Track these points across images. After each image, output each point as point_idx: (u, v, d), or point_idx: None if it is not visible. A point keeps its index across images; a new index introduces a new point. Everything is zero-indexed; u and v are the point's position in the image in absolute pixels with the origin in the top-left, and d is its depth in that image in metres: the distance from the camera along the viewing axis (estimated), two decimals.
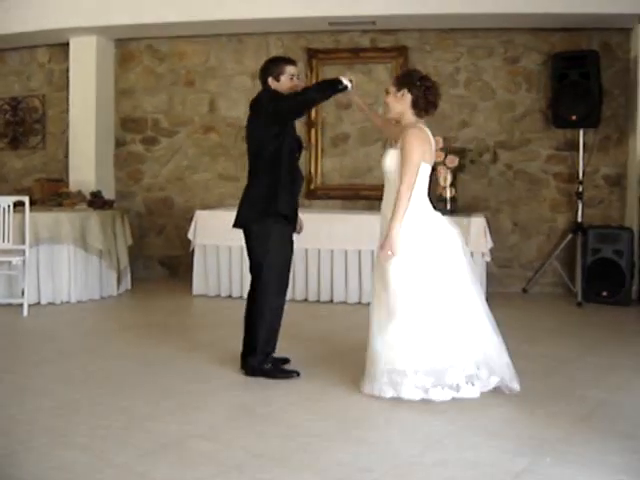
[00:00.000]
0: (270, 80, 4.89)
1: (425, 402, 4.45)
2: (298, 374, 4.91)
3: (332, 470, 3.50)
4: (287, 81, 4.88)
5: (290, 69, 4.91)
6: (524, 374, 5.11)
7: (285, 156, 4.82)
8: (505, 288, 8.49)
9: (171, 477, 3.39)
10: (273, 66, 4.94)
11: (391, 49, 8.76)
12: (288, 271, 5.00)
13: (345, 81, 4.69)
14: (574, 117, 7.84)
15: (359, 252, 7.70)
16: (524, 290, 8.49)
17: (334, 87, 4.74)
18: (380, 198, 8.53)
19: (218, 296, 7.99)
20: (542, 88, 8.43)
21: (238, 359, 5.05)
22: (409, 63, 8.64)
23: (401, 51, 8.70)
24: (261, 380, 4.84)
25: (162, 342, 5.99)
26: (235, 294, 7.85)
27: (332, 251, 7.74)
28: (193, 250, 8.13)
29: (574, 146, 8.20)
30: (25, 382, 4.90)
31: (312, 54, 8.92)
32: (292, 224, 4.99)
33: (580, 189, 8.10)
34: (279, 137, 4.78)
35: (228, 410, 4.39)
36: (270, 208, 4.83)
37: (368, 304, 7.35)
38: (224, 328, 6.36)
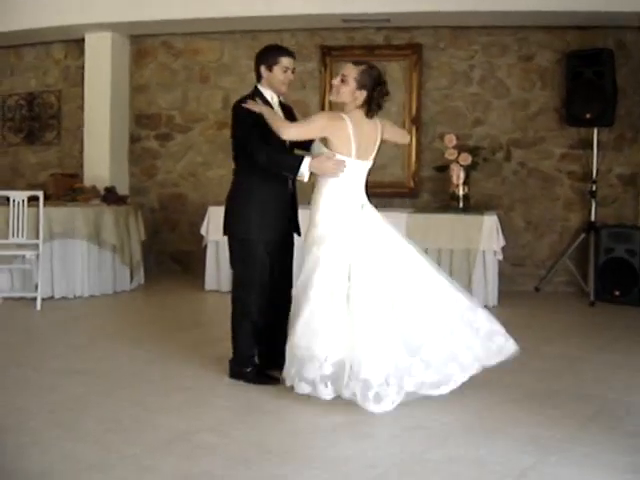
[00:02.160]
0: (263, 69, 4.72)
1: (431, 399, 4.45)
2: (278, 380, 4.61)
3: (338, 465, 3.52)
4: (279, 73, 4.68)
5: (285, 61, 4.70)
6: (534, 372, 5.14)
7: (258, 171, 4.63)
8: (517, 287, 8.46)
9: (179, 471, 3.42)
10: (268, 54, 4.76)
11: (405, 46, 8.75)
12: (263, 277, 4.74)
13: (304, 173, 4.43)
14: (588, 115, 7.81)
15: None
16: (536, 289, 8.46)
17: (291, 171, 4.50)
18: (394, 195, 8.64)
19: (230, 292, 7.98)
20: (556, 86, 8.39)
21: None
22: (423, 60, 8.65)
23: (415, 49, 8.69)
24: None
25: (173, 337, 6.02)
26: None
27: None
28: (206, 246, 8.17)
29: (588, 145, 8.16)
30: (36, 375, 4.94)
31: (326, 51, 8.92)
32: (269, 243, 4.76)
33: (593, 188, 8.06)
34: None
35: (236, 405, 4.41)
36: (240, 230, 4.74)
37: None
38: None
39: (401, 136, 5.04)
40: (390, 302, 4.37)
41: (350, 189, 4.52)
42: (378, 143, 4.63)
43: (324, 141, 4.48)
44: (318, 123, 4.46)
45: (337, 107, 4.71)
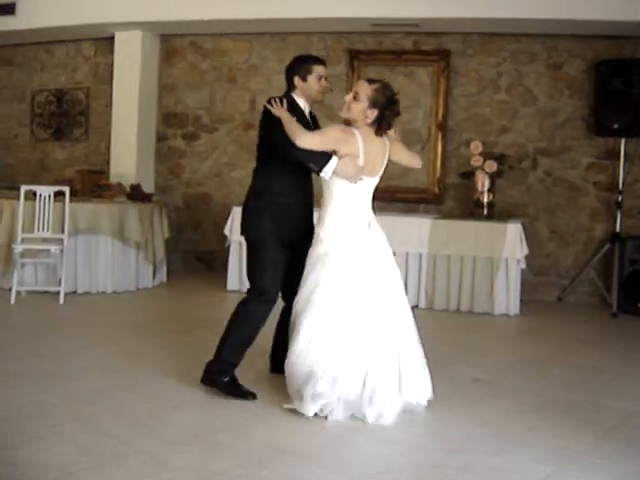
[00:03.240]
0: (297, 80, 4.61)
1: (452, 405, 4.45)
2: (254, 397, 4.47)
3: (353, 469, 3.52)
4: (315, 82, 4.59)
5: (319, 69, 4.61)
6: (555, 382, 5.12)
7: (279, 172, 4.58)
8: (540, 296, 8.42)
9: (194, 468, 3.44)
10: (301, 64, 4.64)
11: (434, 52, 8.73)
12: (270, 278, 4.58)
13: (329, 171, 4.32)
14: (616, 126, 7.75)
15: (393, 254, 7.67)
16: (559, 299, 8.41)
17: (318, 164, 4.33)
18: (418, 201, 8.63)
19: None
20: (585, 95, 8.34)
21: (266, 354, 5.05)
22: (451, 66, 8.63)
23: (443, 54, 8.67)
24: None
25: (193, 335, 6.05)
26: None
27: None
28: (229, 246, 8.20)
29: (615, 155, 8.10)
30: (57, 368, 4.98)
31: (354, 55, 8.93)
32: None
33: (619, 199, 7.99)
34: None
35: (253, 405, 4.41)
36: (256, 230, 4.62)
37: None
38: None
39: (412, 160, 4.83)
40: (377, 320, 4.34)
41: (357, 206, 4.45)
42: (385, 162, 4.54)
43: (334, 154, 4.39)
44: (332, 135, 4.39)
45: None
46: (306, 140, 4.29)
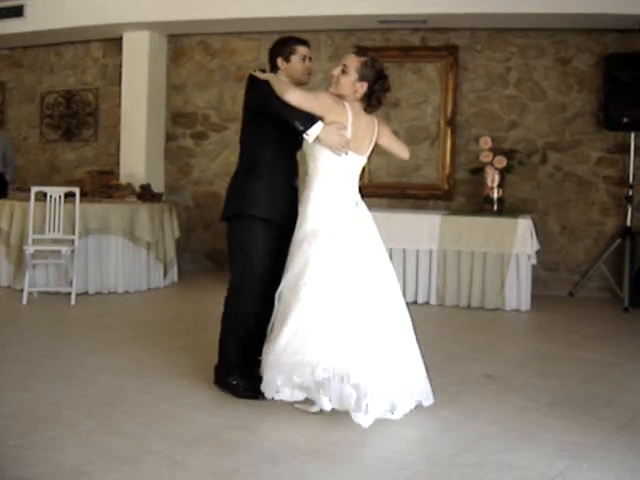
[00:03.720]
0: (280, 61, 4.49)
1: (465, 402, 4.45)
2: (264, 396, 4.22)
3: (366, 466, 3.53)
4: (299, 62, 4.48)
5: (302, 50, 4.50)
6: (567, 378, 5.10)
7: (269, 145, 4.43)
8: (551, 291, 8.41)
9: (208, 466, 3.44)
10: (283, 46, 4.53)
11: (441, 48, 8.73)
12: (263, 276, 4.41)
13: (313, 133, 4.16)
14: (626, 119, 7.73)
15: (404, 251, 7.70)
16: (570, 294, 8.40)
17: (303, 123, 4.17)
18: (428, 197, 8.63)
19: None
20: (594, 89, 8.31)
21: None
22: (459, 62, 8.62)
23: (451, 50, 8.66)
24: None
25: (205, 334, 6.05)
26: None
27: None
28: None
29: (625, 149, 8.09)
30: (71, 369, 5.00)
31: (362, 51, 8.91)
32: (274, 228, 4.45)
33: (630, 193, 7.97)
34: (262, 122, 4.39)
35: (267, 403, 4.40)
36: (243, 205, 4.43)
37: (412, 303, 7.41)
38: None
39: (399, 148, 4.59)
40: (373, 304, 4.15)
41: (343, 184, 4.30)
42: (373, 142, 4.40)
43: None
44: (323, 100, 4.23)
45: None
46: (294, 96, 4.14)
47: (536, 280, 7.86)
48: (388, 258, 4.39)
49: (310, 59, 4.54)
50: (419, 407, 4.25)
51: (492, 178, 8.00)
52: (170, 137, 9.79)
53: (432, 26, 8.58)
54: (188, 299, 7.85)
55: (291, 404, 4.28)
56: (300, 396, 4.17)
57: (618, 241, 8.04)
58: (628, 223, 7.98)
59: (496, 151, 8.06)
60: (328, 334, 3.97)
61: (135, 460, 3.48)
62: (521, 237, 7.43)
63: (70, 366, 5.07)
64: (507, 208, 8.15)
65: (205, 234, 9.71)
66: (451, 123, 8.70)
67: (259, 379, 4.20)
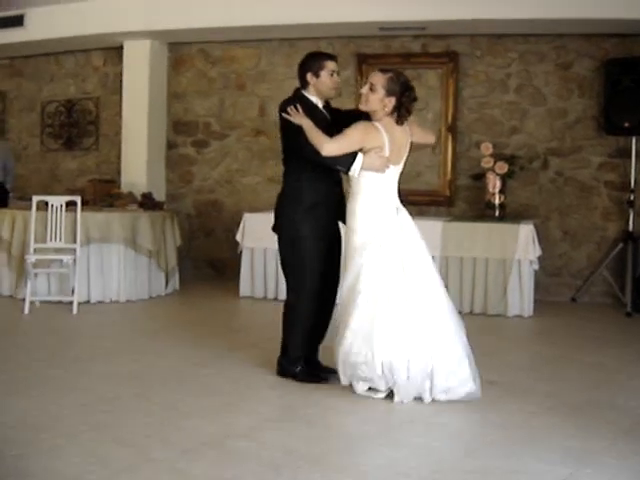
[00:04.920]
0: (309, 76, 4.73)
1: (468, 408, 4.43)
2: (326, 380, 4.83)
3: (370, 473, 3.51)
4: (327, 77, 4.72)
5: (330, 65, 4.75)
6: (570, 382, 5.09)
7: (309, 169, 4.72)
8: (554, 297, 8.38)
9: (210, 475, 3.43)
10: (313, 61, 4.78)
11: (442, 54, 8.72)
12: (314, 279, 4.80)
13: (356, 169, 4.48)
14: (627, 124, 7.72)
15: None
16: (573, 299, 8.37)
17: (345, 165, 4.50)
18: (430, 203, 8.62)
19: (264, 298, 8.05)
20: (594, 94, 8.30)
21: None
22: (459, 68, 8.62)
23: (452, 56, 8.66)
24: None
25: (207, 342, 6.05)
26: (281, 297, 7.85)
27: None
28: (241, 252, 8.20)
29: (626, 154, 8.06)
30: (72, 378, 4.99)
31: (362, 59, 8.93)
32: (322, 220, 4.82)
33: (632, 197, 7.96)
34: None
35: (269, 410, 4.42)
36: (292, 228, 4.81)
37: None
38: (268, 330, 6.35)
39: (425, 136, 5.00)
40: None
41: (386, 194, 4.58)
42: (408, 147, 4.69)
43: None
44: (355, 136, 4.48)
45: None
46: (330, 148, 4.42)
47: (538, 286, 7.84)
48: (430, 258, 4.70)
49: (338, 73, 4.82)
50: (422, 414, 4.30)
51: (493, 184, 7.99)
52: (171, 145, 9.80)
53: (432, 32, 8.57)
54: (190, 307, 7.84)
55: (293, 411, 4.28)
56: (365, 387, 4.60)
57: (620, 246, 8.03)
58: (630, 228, 7.96)
59: (497, 157, 8.05)
60: (384, 334, 4.40)
61: (136, 469, 3.47)
62: (523, 243, 7.41)
63: (71, 375, 5.06)
64: (509, 214, 8.14)
65: (206, 242, 9.70)
66: (452, 129, 8.69)
67: (317, 364, 4.99)
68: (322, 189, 4.77)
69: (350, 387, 4.63)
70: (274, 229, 4.93)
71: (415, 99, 4.60)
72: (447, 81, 8.70)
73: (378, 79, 4.52)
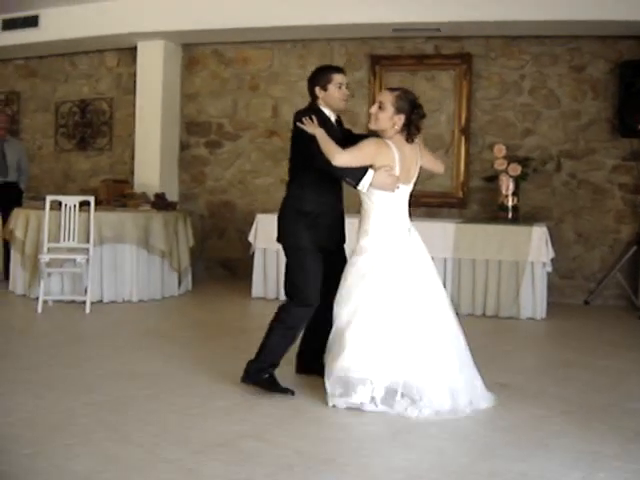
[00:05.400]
0: (317, 90, 4.77)
1: (477, 412, 4.42)
2: (293, 393, 4.66)
3: (381, 475, 3.50)
4: (335, 90, 4.74)
5: (338, 78, 4.76)
6: (582, 385, 5.07)
7: (315, 181, 4.72)
8: (566, 299, 8.36)
9: (221, 475, 3.43)
10: (320, 75, 4.80)
11: (455, 56, 8.71)
12: (313, 292, 4.70)
13: (365, 184, 4.45)
14: None
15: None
16: (586, 302, 8.34)
17: (354, 178, 4.46)
18: (442, 205, 8.61)
19: (277, 299, 8.03)
20: (608, 97, 8.28)
21: (292, 361, 5.09)
22: (473, 70, 8.60)
23: (465, 58, 8.65)
24: (314, 383, 4.81)
25: (219, 342, 6.06)
26: None
27: None
28: (253, 253, 8.21)
29: None
30: (84, 377, 5.00)
31: (376, 60, 8.93)
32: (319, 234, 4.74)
33: None
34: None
35: (281, 411, 4.41)
36: (292, 237, 4.77)
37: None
38: None
39: (435, 166, 4.91)
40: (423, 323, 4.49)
41: (397, 214, 4.57)
42: (419, 167, 4.66)
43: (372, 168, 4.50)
44: (367, 150, 4.47)
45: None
46: (342, 159, 4.40)
47: (551, 288, 7.81)
48: (440, 282, 4.72)
49: (347, 86, 4.82)
50: (434, 416, 4.28)
51: (507, 186, 7.97)
52: (184, 146, 9.82)
53: (446, 34, 8.56)
54: (202, 308, 7.85)
55: (304, 412, 4.29)
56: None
57: (634, 249, 8.00)
58: None
59: (510, 159, 8.04)
60: (386, 355, 4.35)
61: (147, 469, 3.48)
62: (536, 245, 7.39)
63: (84, 374, 5.08)
64: (522, 216, 8.12)
65: (219, 242, 9.72)
66: (465, 131, 8.68)
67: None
68: (324, 202, 4.77)
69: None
70: (278, 239, 4.89)
71: (424, 116, 4.58)
72: (460, 83, 8.69)
73: (387, 97, 4.52)
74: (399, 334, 4.38)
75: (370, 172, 4.43)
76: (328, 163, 4.43)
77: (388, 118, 4.49)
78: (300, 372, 5.08)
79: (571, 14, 7.60)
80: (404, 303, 4.43)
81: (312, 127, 4.52)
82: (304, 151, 4.66)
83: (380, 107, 4.51)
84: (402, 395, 4.34)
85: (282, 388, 4.69)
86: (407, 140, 4.55)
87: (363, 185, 4.46)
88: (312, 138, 4.49)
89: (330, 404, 4.43)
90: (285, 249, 4.84)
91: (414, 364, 4.36)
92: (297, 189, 4.78)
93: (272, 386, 4.70)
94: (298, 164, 4.80)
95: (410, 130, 4.53)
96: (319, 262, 4.72)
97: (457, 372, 4.45)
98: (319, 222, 4.73)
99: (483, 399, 4.50)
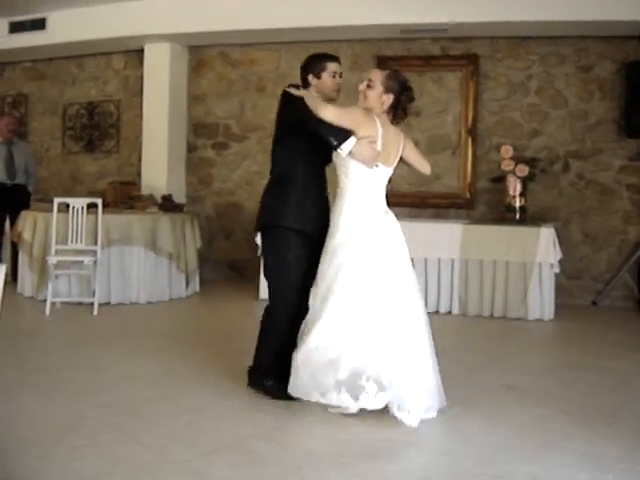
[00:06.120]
0: (311, 77, 4.65)
1: (485, 414, 4.42)
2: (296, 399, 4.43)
3: (390, 477, 3.51)
4: (329, 79, 4.62)
5: (332, 66, 4.65)
6: (589, 387, 5.06)
7: (300, 160, 4.60)
8: (574, 300, 8.34)
9: (229, 476, 3.44)
10: (314, 62, 4.69)
11: (462, 57, 8.71)
12: (296, 283, 4.56)
13: (346, 148, 4.30)
14: None
15: (425, 260, 7.67)
16: (593, 303, 8.33)
17: (337, 138, 4.30)
18: (449, 206, 8.60)
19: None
20: (615, 97, 8.26)
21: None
22: (480, 71, 8.60)
23: (472, 59, 8.64)
24: None
25: (227, 344, 6.07)
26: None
27: None
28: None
29: None
30: (92, 379, 5.02)
31: (382, 61, 8.90)
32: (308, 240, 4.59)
33: None
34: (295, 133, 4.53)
35: (290, 412, 4.41)
36: (276, 216, 4.60)
37: (434, 312, 7.39)
38: None
39: (422, 164, 4.71)
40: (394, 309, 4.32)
41: (373, 194, 4.46)
42: (400, 153, 4.55)
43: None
44: (355, 115, 4.38)
45: None
46: (328, 112, 4.28)
47: (559, 289, 7.78)
48: (411, 266, 4.51)
49: (340, 75, 4.70)
50: (440, 418, 4.25)
51: (514, 187, 7.97)
52: (191, 148, 9.84)
53: (452, 35, 8.56)
54: (210, 309, 7.86)
55: (313, 414, 4.30)
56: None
57: None
58: None
59: (518, 159, 8.03)
60: (354, 337, 4.17)
61: (156, 470, 3.49)
62: (544, 246, 7.37)
63: (92, 376, 5.09)
64: (529, 217, 8.11)
65: (226, 244, 9.74)
66: (472, 132, 8.67)
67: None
68: (311, 184, 4.64)
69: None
70: (260, 222, 4.71)
71: (413, 99, 4.51)
72: (467, 84, 8.68)
73: (376, 76, 4.45)
74: (369, 318, 4.21)
75: (353, 138, 4.30)
76: (317, 121, 4.28)
77: (377, 96, 4.42)
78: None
79: (578, 14, 7.59)
80: (372, 285, 4.26)
81: (300, 91, 4.46)
82: (290, 113, 4.53)
83: (369, 85, 4.43)
84: (368, 379, 4.11)
85: (285, 395, 4.43)
86: (392, 121, 4.49)
87: (345, 148, 4.30)
88: (300, 99, 4.38)
89: (295, 395, 4.29)
90: (265, 232, 4.70)
91: (384, 352, 4.16)
92: (280, 176, 4.66)
93: (275, 393, 4.58)
94: (282, 150, 4.69)
95: (397, 112, 4.47)
96: (303, 248, 4.56)
97: (431, 369, 4.28)
98: (302, 204, 4.57)
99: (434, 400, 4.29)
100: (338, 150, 4.34)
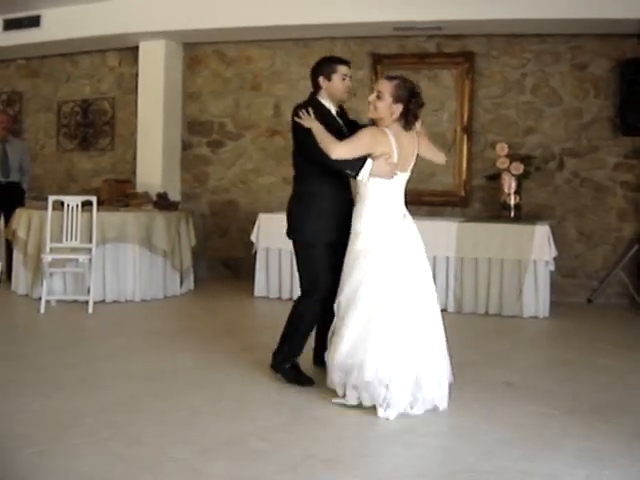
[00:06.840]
0: (321, 79, 4.79)
1: (483, 410, 4.43)
2: (312, 383, 4.84)
3: (385, 473, 3.51)
4: (339, 81, 4.78)
5: (342, 69, 4.80)
6: (585, 384, 5.07)
7: (319, 174, 4.76)
8: (569, 298, 8.35)
9: (227, 474, 3.44)
10: (325, 65, 4.83)
11: (457, 54, 8.70)
12: (323, 285, 4.79)
13: (365, 174, 4.47)
14: None
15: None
16: (589, 300, 8.34)
17: (354, 169, 4.49)
18: (445, 204, 8.60)
19: (279, 298, 8.06)
20: (610, 95, 8.26)
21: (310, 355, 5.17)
22: (475, 68, 8.60)
23: (467, 56, 8.64)
24: (318, 382, 4.82)
25: (222, 342, 6.06)
26: (296, 297, 7.86)
27: None
28: (256, 252, 8.21)
29: None
30: (89, 377, 5.01)
31: (377, 59, 8.92)
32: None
33: None
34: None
35: (285, 411, 4.42)
36: (298, 232, 4.90)
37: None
38: None
39: (435, 156, 4.93)
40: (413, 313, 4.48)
41: (392, 200, 4.59)
42: (415, 155, 4.67)
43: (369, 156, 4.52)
44: (364, 141, 4.49)
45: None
46: (339, 151, 4.44)
47: (554, 287, 7.79)
48: (429, 267, 4.70)
49: (350, 78, 4.86)
50: (437, 415, 4.31)
51: (509, 184, 7.97)
52: (186, 145, 9.83)
53: (448, 33, 8.55)
54: (205, 307, 7.85)
55: (311, 413, 4.30)
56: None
57: (636, 247, 8.00)
58: None
59: (513, 157, 8.03)
60: (379, 341, 4.33)
61: (154, 468, 3.49)
62: (539, 243, 7.38)
63: (88, 374, 5.08)
64: (524, 214, 8.11)
65: (221, 242, 9.72)
66: (467, 129, 8.68)
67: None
68: (331, 194, 4.81)
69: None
70: (287, 234, 4.97)
71: (422, 105, 4.59)
72: (462, 81, 8.68)
73: (385, 87, 4.53)
74: (394, 323, 4.36)
75: (369, 162, 4.45)
76: (327, 156, 4.46)
77: (386, 107, 4.50)
78: (317, 365, 5.11)
79: (573, 12, 7.59)
80: (396, 290, 4.41)
81: (309, 121, 4.56)
82: (303, 145, 4.71)
83: (378, 96, 4.52)
84: (390, 383, 4.27)
85: (301, 379, 4.87)
86: (405, 128, 4.56)
87: (363, 175, 4.48)
88: (309, 132, 4.52)
89: (339, 392, 4.49)
90: (296, 244, 4.91)
91: (407, 357, 4.32)
92: (303, 185, 4.85)
93: (292, 377, 4.88)
94: (301, 159, 4.84)
95: (408, 118, 4.54)
96: (328, 256, 4.77)
97: (445, 373, 4.48)
98: (328, 216, 4.77)
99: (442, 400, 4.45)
100: (357, 178, 4.51)
